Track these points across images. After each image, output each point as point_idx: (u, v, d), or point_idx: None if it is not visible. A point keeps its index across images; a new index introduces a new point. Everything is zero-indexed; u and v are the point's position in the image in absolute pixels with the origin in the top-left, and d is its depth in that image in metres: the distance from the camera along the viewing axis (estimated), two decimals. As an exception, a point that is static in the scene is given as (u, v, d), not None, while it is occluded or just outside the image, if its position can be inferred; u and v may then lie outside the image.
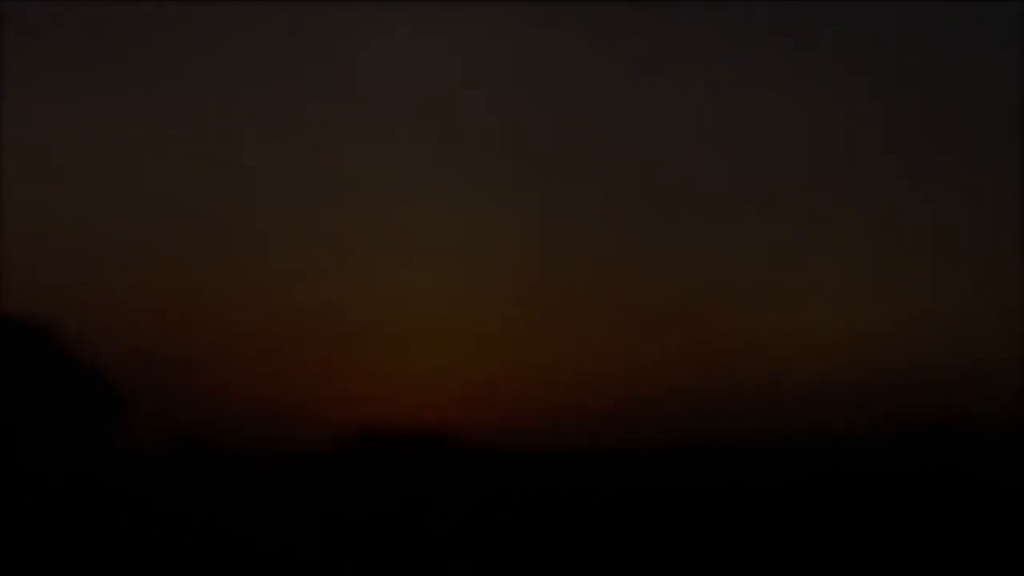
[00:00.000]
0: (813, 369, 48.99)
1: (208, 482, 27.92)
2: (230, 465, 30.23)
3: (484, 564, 22.95)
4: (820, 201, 59.61)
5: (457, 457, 32.55)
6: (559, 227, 61.40)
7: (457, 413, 51.73)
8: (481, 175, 60.94)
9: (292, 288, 55.95)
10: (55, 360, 24.55)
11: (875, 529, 21.89)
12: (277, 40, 55.36)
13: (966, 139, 57.63)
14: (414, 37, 55.52)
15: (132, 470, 26.66)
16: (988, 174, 55.81)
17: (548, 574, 19.37)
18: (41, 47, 48.39)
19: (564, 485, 30.29)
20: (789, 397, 44.96)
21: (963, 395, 40.74)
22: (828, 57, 55.33)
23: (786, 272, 58.25)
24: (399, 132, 60.75)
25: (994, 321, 46.30)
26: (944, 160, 58.27)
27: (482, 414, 47.56)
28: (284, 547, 23.40)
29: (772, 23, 53.42)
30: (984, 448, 30.13)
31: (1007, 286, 48.23)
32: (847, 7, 50.56)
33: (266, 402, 43.45)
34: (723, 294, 57.48)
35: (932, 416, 34.96)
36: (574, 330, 56.46)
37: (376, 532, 25.38)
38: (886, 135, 59.87)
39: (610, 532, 24.69)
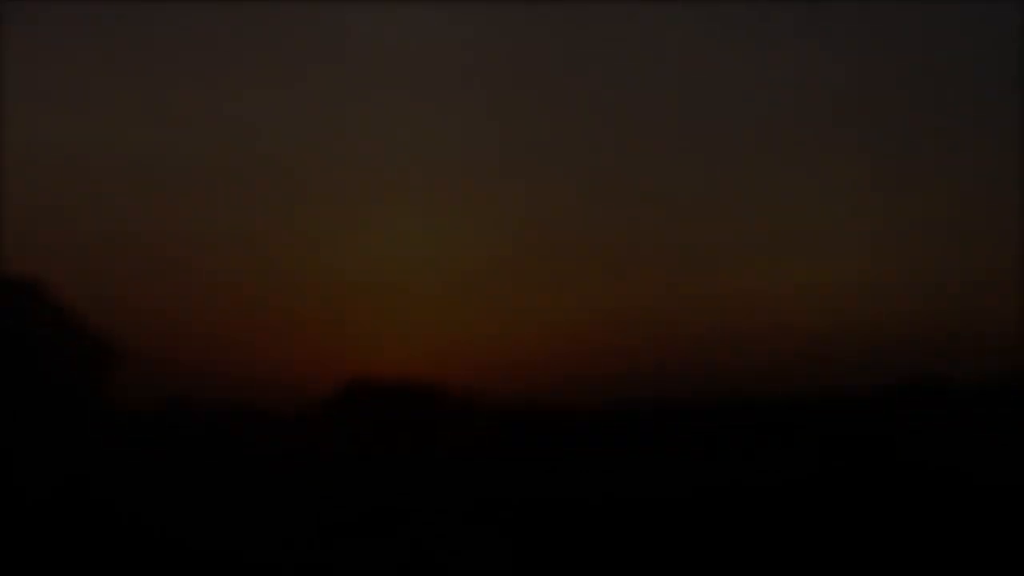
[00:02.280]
0: (803, 322, 49.22)
1: (197, 437, 27.88)
2: (220, 420, 30.24)
3: (466, 506, 23.02)
4: (813, 159, 59.57)
5: (443, 407, 32.71)
6: (548, 189, 61.07)
7: (444, 366, 51.63)
8: (471, 139, 60.58)
9: (283, 247, 55.53)
10: (44, 315, 24.17)
11: (861, 482, 22.04)
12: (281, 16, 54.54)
13: (963, 100, 57.42)
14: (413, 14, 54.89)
15: (123, 424, 26.55)
16: (985, 137, 55.66)
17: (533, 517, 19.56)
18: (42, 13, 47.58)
19: (549, 433, 30.35)
20: (780, 349, 45.12)
21: (951, 351, 41.11)
22: (826, 13, 54.70)
23: (779, 226, 58.24)
24: (392, 98, 60.19)
25: (984, 282, 46.57)
26: (941, 120, 58.13)
27: (469, 368, 47.67)
28: (273, 499, 23.42)
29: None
30: (968, 403, 30.47)
31: (1001, 247, 48.35)
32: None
33: (258, 360, 43.29)
34: (717, 247, 57.47)
35: (918, 371, 35.42)
36: (563, 289, 56.37)
37: (366, 479, 25.40)
38: (883, 95, 59.52)
39: (593, 479, 24.81)
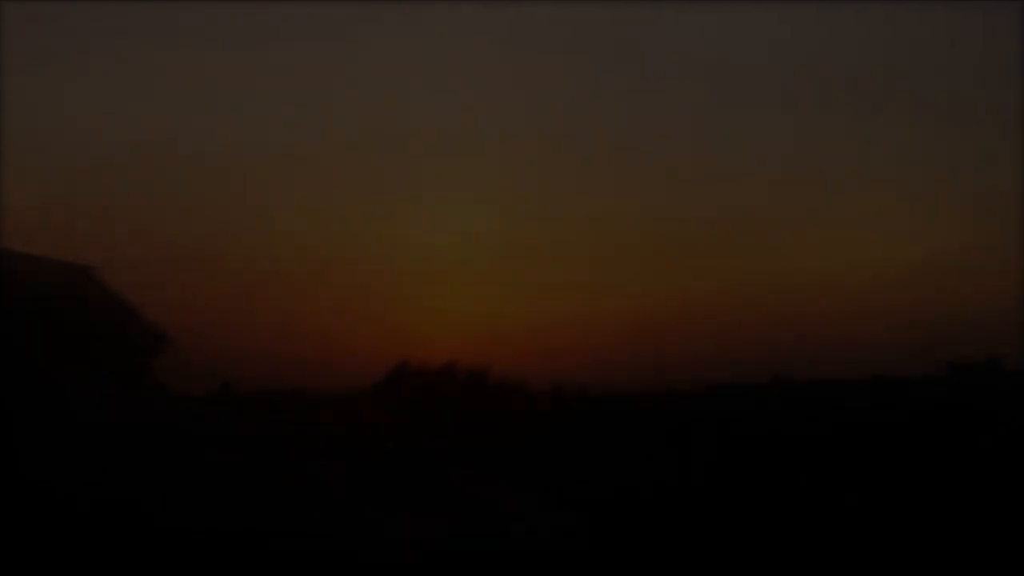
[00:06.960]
0: (848, 304, 49.09)
1: (245, 418, 28.58)
2: (268, 403, 30.99)
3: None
4: (853, 139, 59.46)
5: (487, 390, 33.24)
6: (589, 172, 61.51)
7: (491, 352, 52.18)
8: (517, 126, 61.27)
9: (329, 233, 56.45)
10: (96, 298, 24.93)
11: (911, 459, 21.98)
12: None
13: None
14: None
15: (173, 405, 27.24)
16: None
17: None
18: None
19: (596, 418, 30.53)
20: (825, 333, 44.98)
21: (998, 332, 40.66)
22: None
23: (824, 208, 58.17)
24: (427, 87, 61.11)
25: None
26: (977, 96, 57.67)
27: (516, 353, 48.35)
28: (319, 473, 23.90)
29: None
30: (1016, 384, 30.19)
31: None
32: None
33: (309, 345, 44.14)
34: (756, 232, 57.50)
35: (969, 353, 35.18)
36: (605, 273, 56.72)
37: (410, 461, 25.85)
38: (918, 74, 59.19)
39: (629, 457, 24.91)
